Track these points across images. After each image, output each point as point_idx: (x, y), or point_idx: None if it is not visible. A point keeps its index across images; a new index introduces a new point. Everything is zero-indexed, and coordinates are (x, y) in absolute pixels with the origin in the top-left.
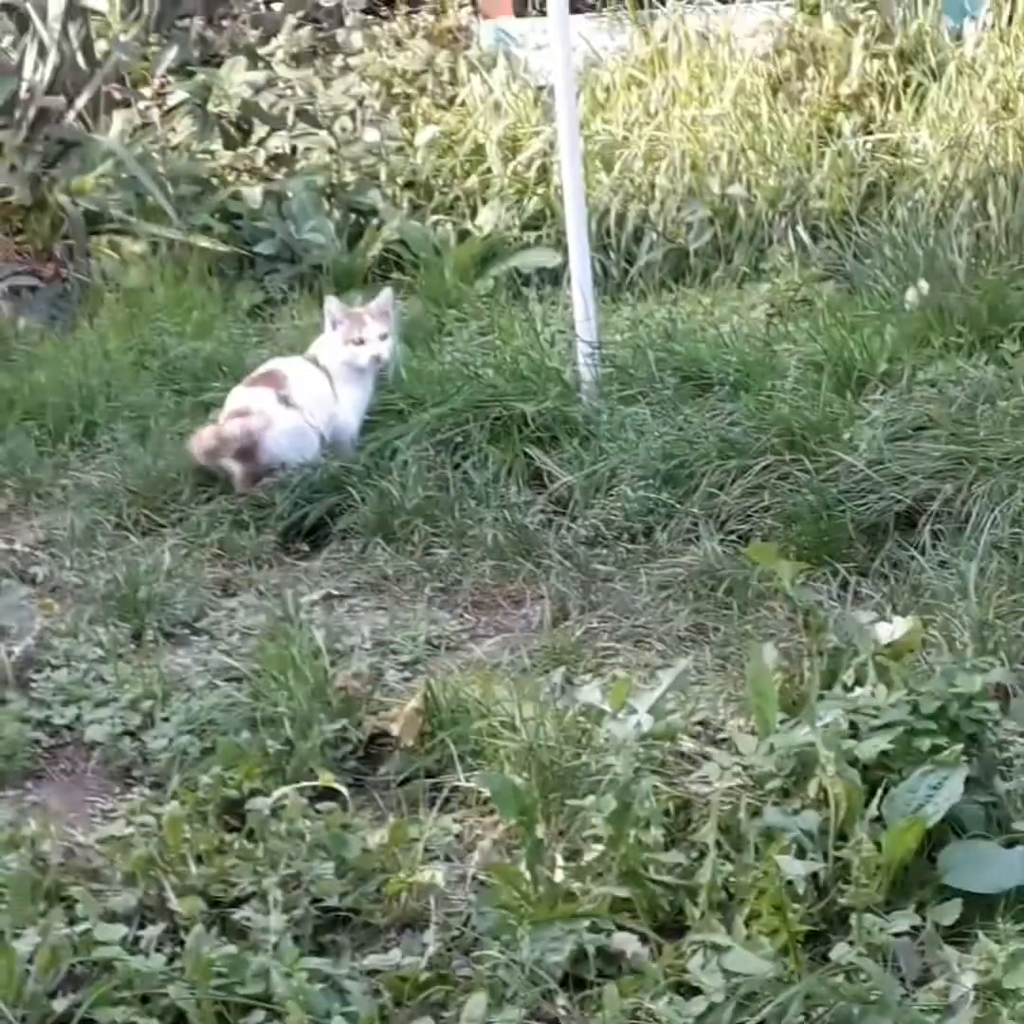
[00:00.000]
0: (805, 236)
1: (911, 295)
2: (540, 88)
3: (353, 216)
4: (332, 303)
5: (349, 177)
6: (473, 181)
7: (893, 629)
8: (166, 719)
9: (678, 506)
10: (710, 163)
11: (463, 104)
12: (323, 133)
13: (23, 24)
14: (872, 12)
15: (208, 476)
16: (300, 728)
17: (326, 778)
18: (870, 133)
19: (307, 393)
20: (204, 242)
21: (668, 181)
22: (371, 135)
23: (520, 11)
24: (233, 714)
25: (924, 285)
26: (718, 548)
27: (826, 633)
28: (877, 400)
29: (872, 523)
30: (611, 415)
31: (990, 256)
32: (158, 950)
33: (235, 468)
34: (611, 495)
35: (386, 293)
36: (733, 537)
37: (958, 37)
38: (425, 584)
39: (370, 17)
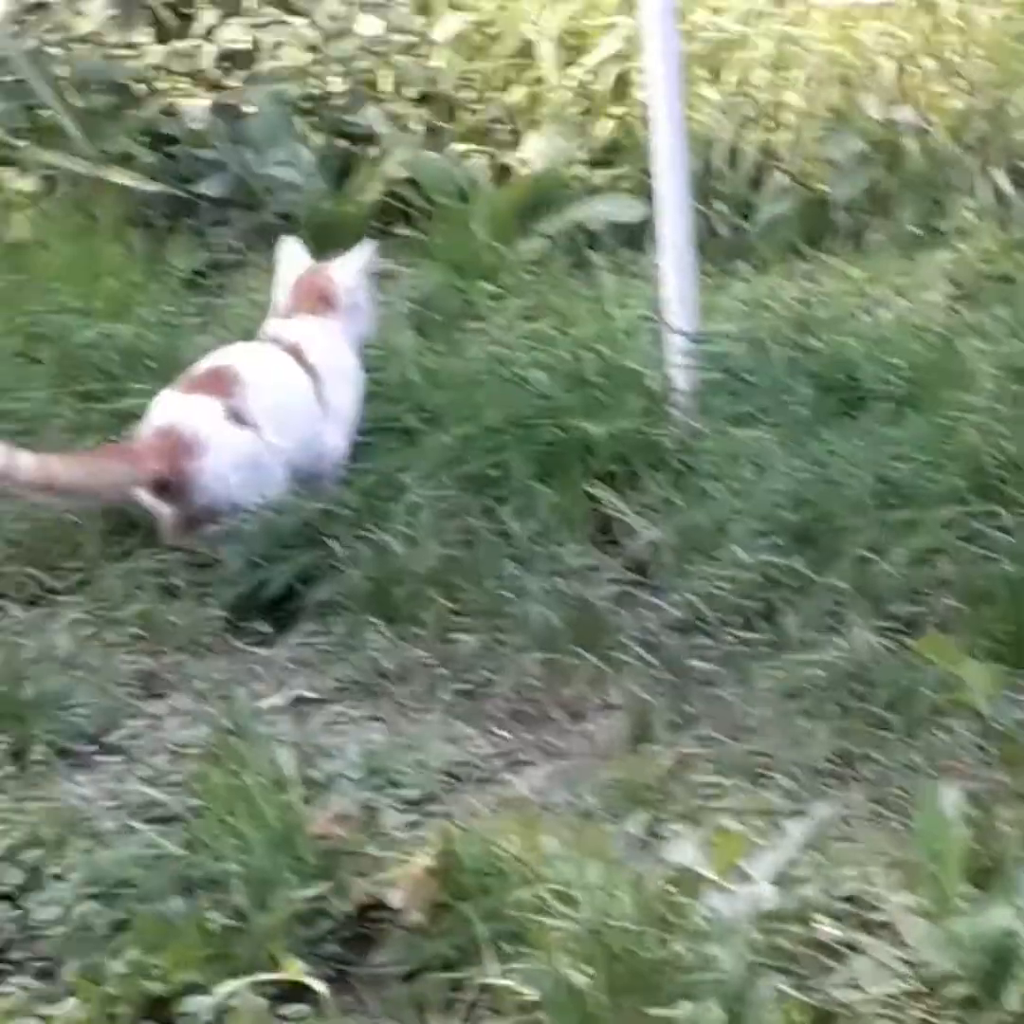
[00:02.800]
0: (1005, 182)
1: None
2: None
3: (342, 144)
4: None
5: (337, 87)
6: (518, 95)
7: None
8: (59, 877)
9: (815, 577)
10: (866, 75)
11: None
12: (299, 22)
13: None
14: None
15: (125, 521)
16: (257, 894)
17: (294, 969)
18: None
19: (272, 401)
20: (123, 178)
21: (804, 100)
22: (370, 26)
23: None
24: (158, 872)
25: None
26: (874, 640)
27: None
28: None
29: None
30: (717, 441)
31: None
32: None
33: (162, 510)
34: (716, 559)
35: (366, 248)
36: (896, 624)
37: None
38: (442, 685)
39: None
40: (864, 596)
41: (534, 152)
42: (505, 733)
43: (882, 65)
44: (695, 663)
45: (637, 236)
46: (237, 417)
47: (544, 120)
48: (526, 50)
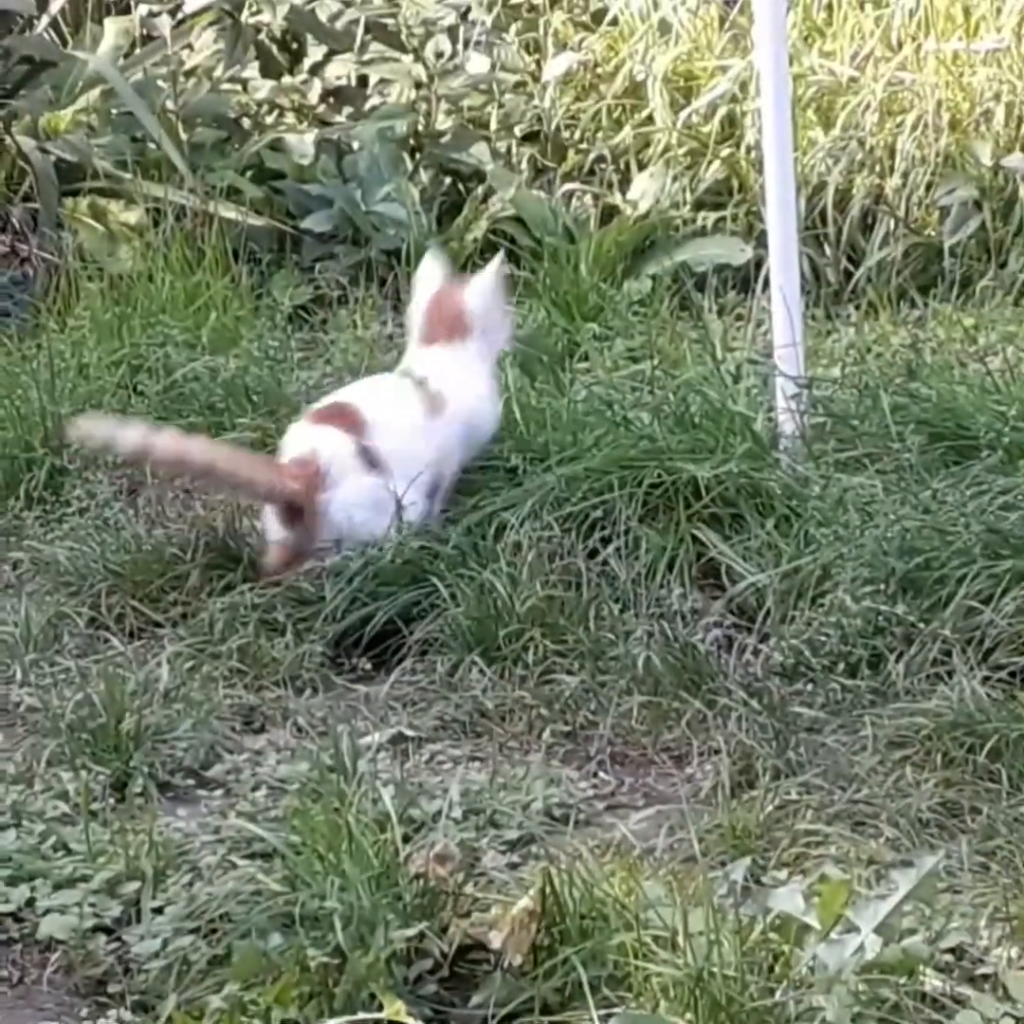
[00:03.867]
0: None
1: None
2: (729, 2)
3: (448, 181)
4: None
5: (444, 124)
6: (626, 135)
7: None
8: (159, 910)
9: (922, 625)
10: (978, 120)
11: (615, 22)
12: (407, 59)
13: None
14: None
15: (227, 555)
16: (356, 932)
17: (394, 1008)
18: None
19: (403, 445)
20: (229, 212)
21: (915, 145)
22: (477, 64)
23: None
24: (257, 908)
25: None
26: (981, 689)
27: None
28: None
29: None
30: (824, 487)
31: None
32: None
33: (277, 536)
34: (821, 605)
35: (496, 262)
36: (1003, 674)
37: None
38: (543, 725)
39: None
40: (971, 645)
41: (641, 193)
42: (607, 776)
43: (994, 111)
44: (799, 709)
45: (743, 278)
46: (368, 458)
47: (651, 161)
48: (634, 90)
